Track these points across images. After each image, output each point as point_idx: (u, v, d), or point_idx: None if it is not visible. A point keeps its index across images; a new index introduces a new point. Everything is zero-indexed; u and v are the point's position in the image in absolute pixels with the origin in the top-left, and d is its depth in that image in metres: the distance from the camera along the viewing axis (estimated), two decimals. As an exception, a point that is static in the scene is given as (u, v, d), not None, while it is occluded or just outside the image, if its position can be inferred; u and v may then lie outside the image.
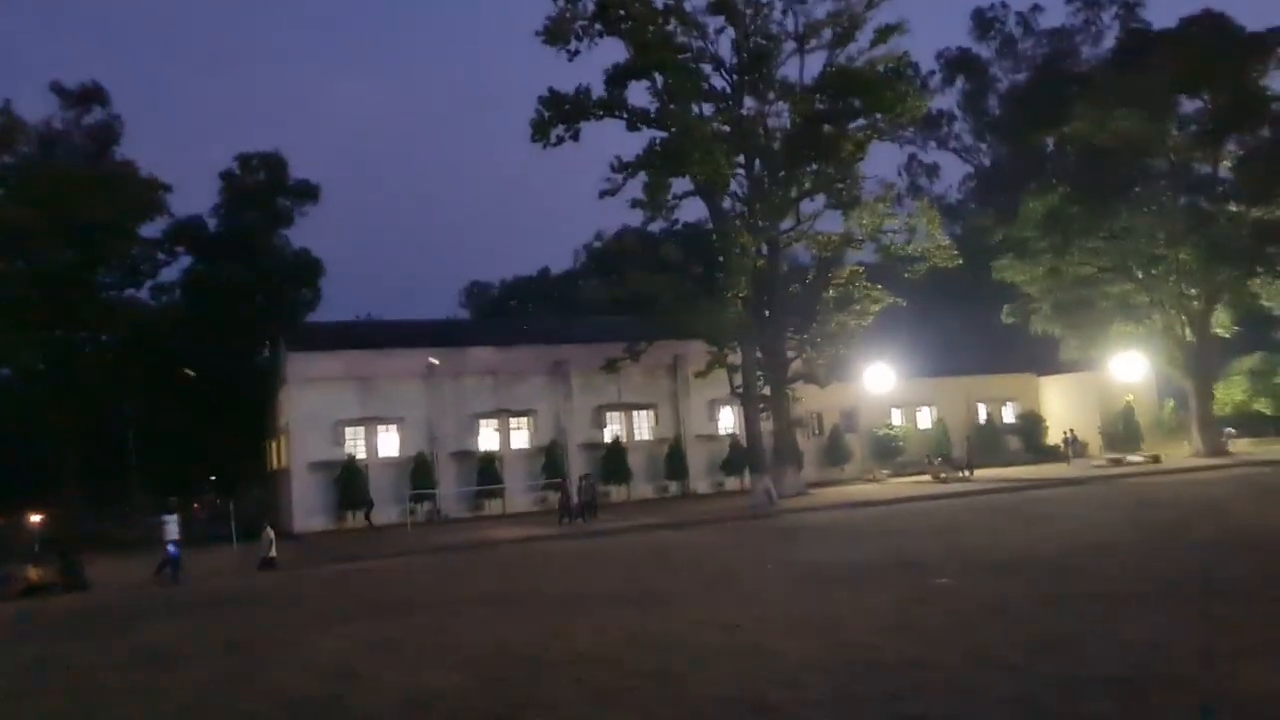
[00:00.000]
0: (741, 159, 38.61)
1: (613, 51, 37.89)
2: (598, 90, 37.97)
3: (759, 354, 40.80)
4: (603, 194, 40.20)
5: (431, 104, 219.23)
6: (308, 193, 52.79)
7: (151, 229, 50.23)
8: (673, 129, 34.73)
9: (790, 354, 40.86)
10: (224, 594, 21.96)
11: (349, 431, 43.59)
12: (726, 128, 36.79)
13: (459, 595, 18.50)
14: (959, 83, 68.77)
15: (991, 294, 52.87)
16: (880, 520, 28.34)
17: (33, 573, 23.20)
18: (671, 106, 34.92)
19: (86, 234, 46.32)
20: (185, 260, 53.00)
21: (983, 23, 68.18)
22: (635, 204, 35.46)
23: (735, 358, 41.21)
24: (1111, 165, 43.63)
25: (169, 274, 53.02)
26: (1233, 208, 43.20)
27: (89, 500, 51.80)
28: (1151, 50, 43.95)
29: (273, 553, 27.53)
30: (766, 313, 40.25)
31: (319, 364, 43.66)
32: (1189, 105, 44.90)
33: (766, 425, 42.66)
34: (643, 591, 16.79)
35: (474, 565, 24.97)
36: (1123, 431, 52.88)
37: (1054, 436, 53.24)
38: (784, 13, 38.79)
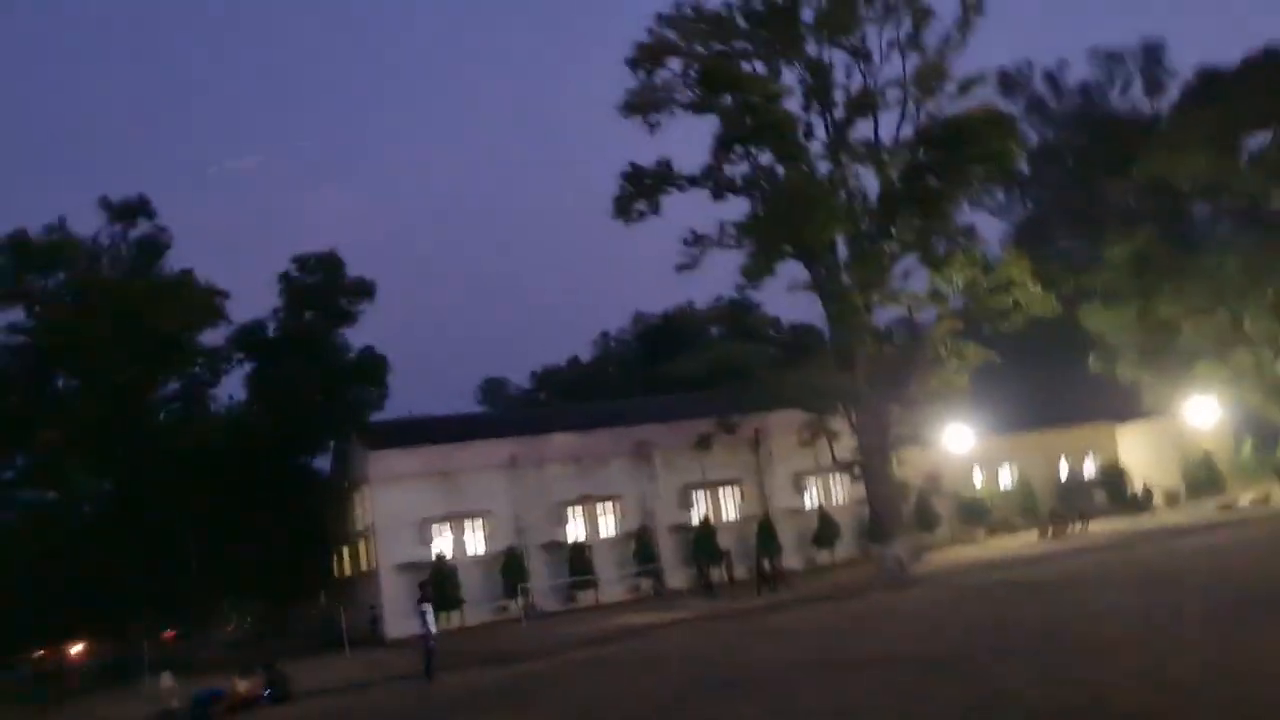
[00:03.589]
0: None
1: (684, 124, 37.84)
2: (679, 163, 37.90)
3: (856, 418, 39.73)
4: (680, 268, 39.71)
5: (415, 205, 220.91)
6: (364, 290, 52.05)
7: (212, 337, 49.44)
8: (775, 193, 34.22)
9: (891, 418, 39.80)
10: (462, 692, 20.47)
11: (435, 529, 42.15)
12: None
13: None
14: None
15: (1061, 344, 52.17)
16: (1068, 577, 26.80)
17: (241, 686, 21.62)
18: (778, 170, 34.52)
19: (148, 347, 45.29)
20: (247, 366, 52.06)
21: (1009, 82, 68.64)
22: (745, 272, 34.78)
23: (834, 424, 40.20)
24: (1186, 206, 43.41)
25: (232, 381, 52.05)
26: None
27: (159, 620, 49.84)
28: (1214, 89, 43.99)
29: (175, 703, 22.70)
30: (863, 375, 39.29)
31: (401, 461, 42.34)
32: (1256, 141, 44.77)
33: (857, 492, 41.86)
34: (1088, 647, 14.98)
35: (710, 645, 23.09)
36: (1205, 477, 51.93)
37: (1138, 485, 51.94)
38: (847, 75, 38.84)
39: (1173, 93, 60.51)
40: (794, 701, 13.38)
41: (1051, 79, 68.74)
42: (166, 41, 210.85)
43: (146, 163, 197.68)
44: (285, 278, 51.60)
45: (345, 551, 49.78)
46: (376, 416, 51.90)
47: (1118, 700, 10.79)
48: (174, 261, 51.51)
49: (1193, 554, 27.46)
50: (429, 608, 24.65)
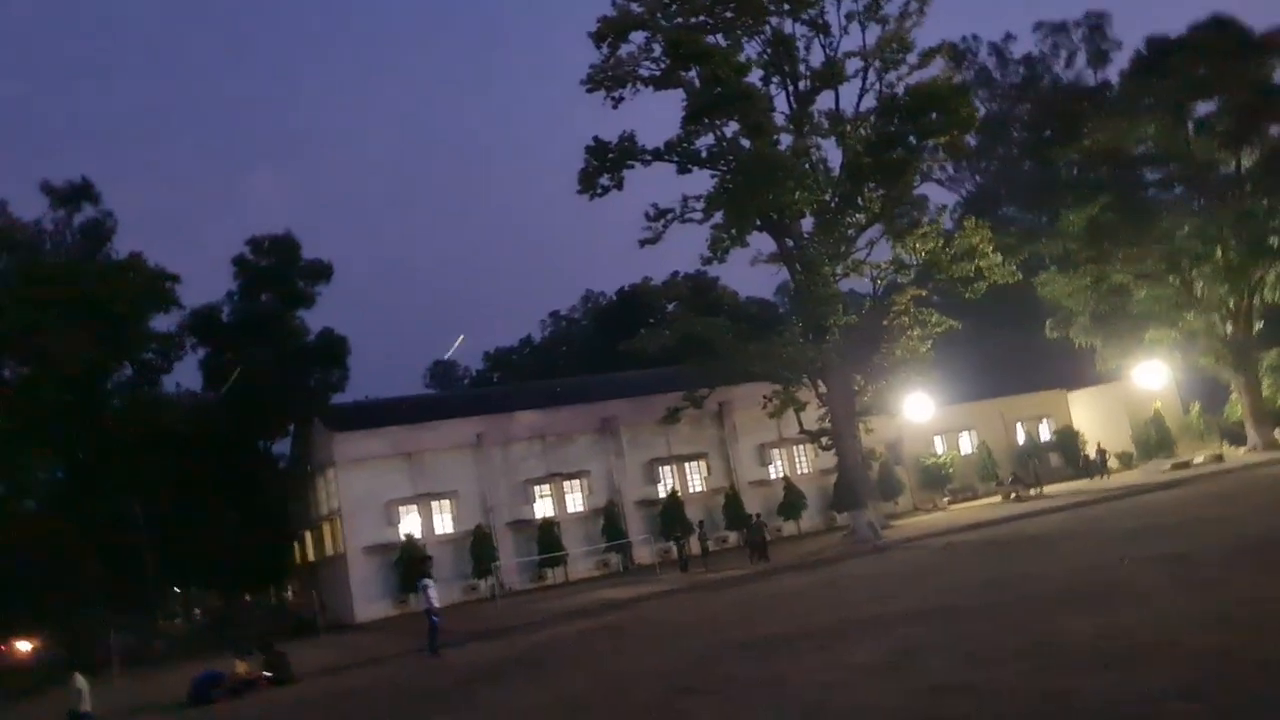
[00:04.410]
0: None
1: (645, 102, 37.71)
2: (642, 137, 37.77)
3: (824, 387, 39.97)
4: (643, 242, 39.53)
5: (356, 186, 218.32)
6: (320, 272, 51.13)
7: (165, 322, 48.31)
8: (745, 163, 34.21)
9: (855, 387, 40.12)
10: (473, 664, 20.07)
11: (402, 510, 41.78)
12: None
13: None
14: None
15: (1015, 313, 52.95)
16: (1047, 533, 27.19)
17: (240, 668, 21.22)
18: (744, 143, 34.51)
19: (99, 332, 44.14)
20: (200, 351, 50.93)
21: (955, 55, 69.16)
22: (713, 243, 34.77)
23: (802, 395, 40.42)
24: (1137, 173, 44.20)
25: (186, 368, 50.96)
26: (1265, 203, 43.76)
27: (112, 612, 48.63)
28: (1163, 58, 44.72)
29: (85, 706, 21.06)
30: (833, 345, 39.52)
31: (366, 443, 41.86)
32: (1203, 108, 45.65)
33: (828, 461, 42.31)
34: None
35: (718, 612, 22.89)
36: (1155, 438, 53.06)
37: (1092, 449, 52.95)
38: (807, 48, 38.88)
39: (1118, 63, 61.78)
40: (845, 654, 13.39)
41: (998, 51, 69.70)
42: (119, 18, 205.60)
43: (90, 147, 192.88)
44: (240, 260, 50.52)
45: (309, 537, 49.19)
46: (337, 399, 51.27)
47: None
48: (120, 247, 50.34)
49: (1147, 511, 28.13)
50: (431, 583, 24.52)
